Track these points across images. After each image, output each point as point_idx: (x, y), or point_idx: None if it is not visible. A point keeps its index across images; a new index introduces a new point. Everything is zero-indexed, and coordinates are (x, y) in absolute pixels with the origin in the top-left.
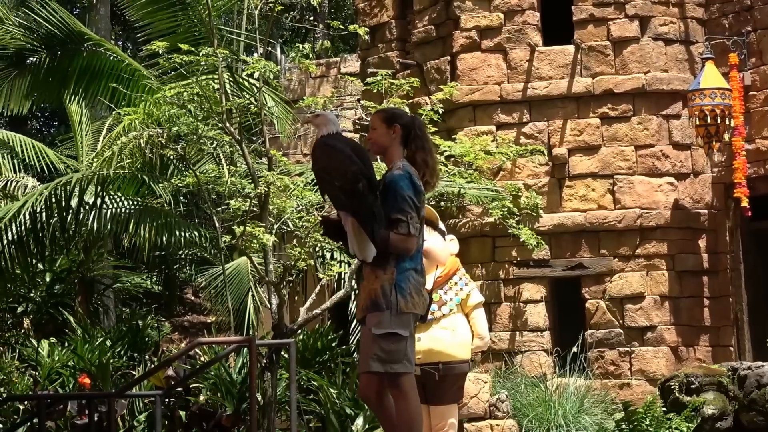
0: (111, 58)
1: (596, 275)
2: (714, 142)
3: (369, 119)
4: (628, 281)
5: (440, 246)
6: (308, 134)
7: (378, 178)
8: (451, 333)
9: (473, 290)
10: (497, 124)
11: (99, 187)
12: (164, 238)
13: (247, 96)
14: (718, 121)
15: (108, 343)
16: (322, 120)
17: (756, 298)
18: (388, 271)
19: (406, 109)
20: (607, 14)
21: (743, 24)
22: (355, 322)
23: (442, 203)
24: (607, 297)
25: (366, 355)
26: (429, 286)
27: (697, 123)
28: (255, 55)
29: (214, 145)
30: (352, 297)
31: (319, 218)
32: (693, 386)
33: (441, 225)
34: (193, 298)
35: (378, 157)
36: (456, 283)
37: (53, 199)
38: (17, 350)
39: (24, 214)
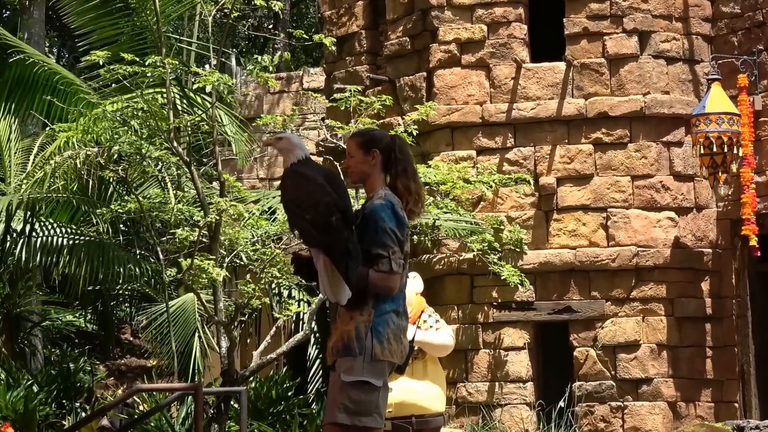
0: (45, 69)
1: (586, 320)
2: (720, 173)
3: (333, 140)
4: (622, 327)
5: (409, 286)
6: (265, 156)
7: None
8: (424, 382)
9: (444, 327)
10: (478, 148)
11: (28, 213)
12: (101, 271)
13: (198, 112)
14: (725, 149)
15: (35, 388)
16: (286, 144)
17: (764, 348)
18: (365, 313)
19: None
20: (602, 28)
21: (754, 42)
22: (314, 369)
23: (415, 236)
24: (598, 345)
25: (333, 405)
26: None
27: (702, 151)
28: (207, 66)
29: (159, 167)
30: (311, 340)
31: (276, 251)
32: None
33: None
34: (132, 339)
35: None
36: (425, 321)
37: None
38: None
39: None
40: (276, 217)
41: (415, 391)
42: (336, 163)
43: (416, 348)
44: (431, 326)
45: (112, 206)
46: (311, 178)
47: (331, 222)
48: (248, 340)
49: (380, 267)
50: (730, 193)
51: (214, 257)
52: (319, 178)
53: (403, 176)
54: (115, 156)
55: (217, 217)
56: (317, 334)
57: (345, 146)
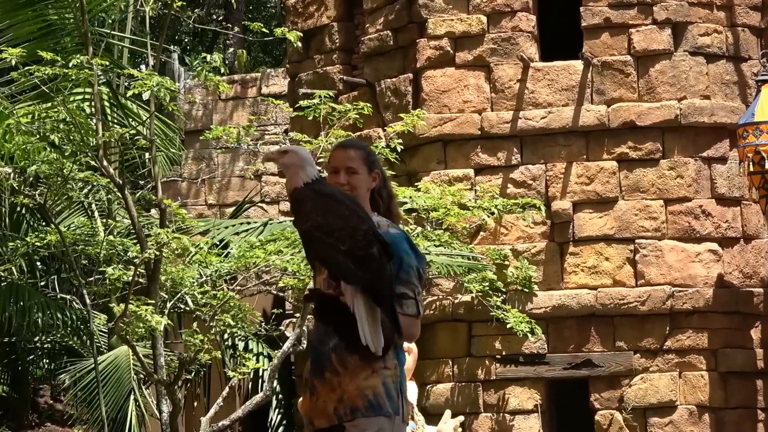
0: None
1: (610, 376)
2: None
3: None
4: (654, 385)
5: None
6: (215, 177)
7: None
8: None
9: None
10: (477, 166)
11: None
12: (14, 320)
13: (134, 124)
14: None
15: None
16: (293, 159)
17: None
18: (391, 365)
19: None
20: (627, 19)
21: None
22: None
23: None
24: (625, 407)
25: None
26: None
27: (751, 169)
28: (144, 67)
29: (85, 190)
30: (273, 403)
31: (229, 294)
32: None
33: None
34: (52, 402)
35: None
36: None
37: None
38: None
39: None
40: (229, 252)
41: None
42: None
43: None
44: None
45: (28, 239)
46: (340, 200)
47: (372, 254)
48: (195, 404)
49: (406, 310)
50: None
51: (153, 302)
52: (347, 201)
53: (393, 201)
54: (31, 178)
55: (157, 253)
56: (280, 396)
57: (336, 157)
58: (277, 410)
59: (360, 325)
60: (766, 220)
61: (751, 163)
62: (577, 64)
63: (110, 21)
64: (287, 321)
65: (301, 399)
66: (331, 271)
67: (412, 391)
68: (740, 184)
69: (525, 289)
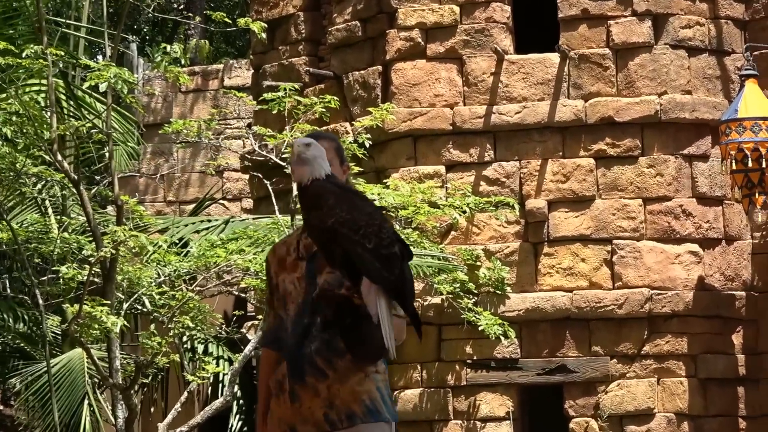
0: None
1: (585, 382)
2: (757, 195)
3: (263, 153)
4: (631, 392)
5: None
6: (175, 173)
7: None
8: None
9: None
10: (448, 163)
11: None
12: None
13: (89, 117)
14: (764, 164)
15: None
16: (317, 152)
17: None
18: (381, 369)
19: None
20: (606, 10)
21: None
22: None
23: None
24: (601, 414)
25: None
26: None
27: (734, 167)
28: (101, 58)
29: (39, 186)
30: (234, 409)
31: (188, 295)
32: None
33: None
34: (2, 408)
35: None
36: None
37: None
38: None
39: None
40: (189, 251)
41: None
42: (266, 181)
43: None
44: None
45: None
46: (362, 196)
47: (396, 253)
48: (152, 409)
49: (398, 312)
50: None
51: (108, 302)
52: (367, 199)
53: None
54: None
55: (113, 251)
56: (241, 401)
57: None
58: (237, 416)
59: (384, 328)
60: (749, 220)
61: (733, 161)
62: (554, 57)
63: (66, 9)
64: (249, 323)
65: (264, 405)
66: (350, 271)
67: None
68: (722, 183)
69: (497, 291)
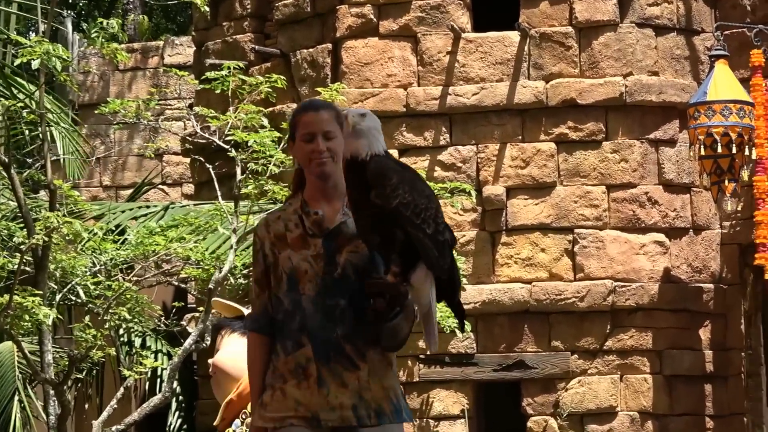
0: None
1: (545, 379)
2: (726, 182)
3: (205, 135)
4: (593, 389)
5: (243, 353)
6: (111, 156)
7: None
8: None
9: None
10: (401, 146)
11: None
12: None
13: (20, 96)
14: (734, 150)
15: None
16: (373, 123)
17: None
18: (394, 363)
19: (264, 121)
20: None
21: None
22: None
23: None
24: (560, 412)
25: None
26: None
27: (702, 153)
28: (33, 35)
29: None
30: (173, 405)
31: (125, 285)
32: None
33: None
34: None
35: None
36: None
37: None
38: None
39: None
40: (126, 239)
41: None
42: (209, 165)
43: None
44: None
45: None
46: (420, 177)
47: (447, 241)
48: (87, 405)
49: None
50: (739, 209)
51: (40, 292)
52: (423, 179)
53: None
54: None
55: (46, 238)
56: (180, 397)
57: (310, 122)
58: (177, 413)
59: (433, 319)
60: (718, 209)
61: (702, 146)
62: (513, 36)
63: None
64: (189, 315)
65: (258, 395)
66: (406, 257)
67: None
68: (690, 170)
69: None
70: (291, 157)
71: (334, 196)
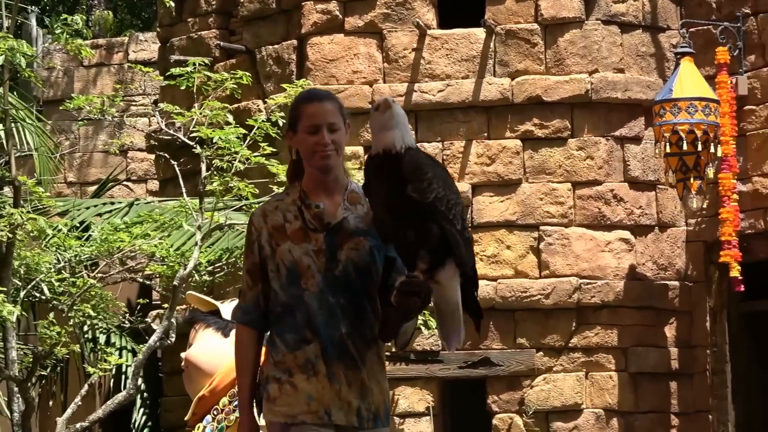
0: None
1: (510, 376)
2: (692, 180)
3: (170, 131)
4: (558, 386)
5: (217, 348)
6: (76, 152)
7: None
8: None
9: None
10: (367, 143)
11: None
12: None
13: None
14: (699, 147)
15: None
16: (400, 110)
17: (748, 415)
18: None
19: (229, 118)
20: None
21: (738, 4)
22: None
23: None
24: (526, 409)
25: None
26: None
27: (668, 150)
28: None
29: None
30: (138, 402)
31: (90, 281)
32: None
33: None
34: None
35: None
36: (228, 404)
37: None
38: None
39: None
40: (91, 235)
41: None
42: (173, 162)
43: None
44: (227, 416)
45: None
46: (448, 171)
47: (471, 237)
48: (51, 402)
49: None
50: (704, 206)
51: (4, 289)
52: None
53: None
54: None
55: (10, 235)
56: (145, 394)
57: (315, 113)
58: (141, 410)
59: (459, 316)
60: (684, 206)
61: (668, 143)
62: (479, 33)
63: None
64: (154, 312)
65: (249, 392)
66: (437, 252)
67: None
68: (656, 167)
69: None
70: (267, 152)
71: (334, 189)
